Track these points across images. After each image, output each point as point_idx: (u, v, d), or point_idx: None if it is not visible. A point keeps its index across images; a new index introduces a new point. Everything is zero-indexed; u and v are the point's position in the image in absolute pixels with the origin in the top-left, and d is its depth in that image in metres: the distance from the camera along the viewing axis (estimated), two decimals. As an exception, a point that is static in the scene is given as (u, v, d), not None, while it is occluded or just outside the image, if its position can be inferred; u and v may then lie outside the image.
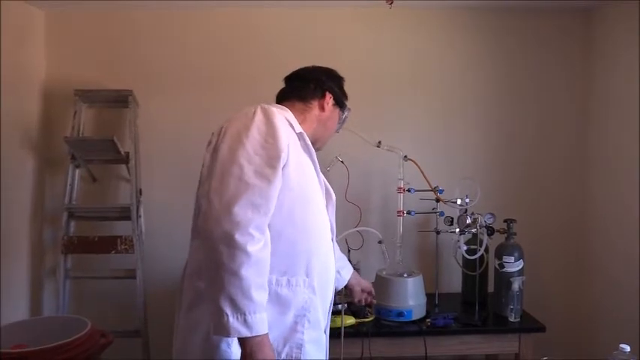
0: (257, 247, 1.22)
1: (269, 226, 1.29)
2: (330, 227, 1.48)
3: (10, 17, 2.22)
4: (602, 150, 2.50)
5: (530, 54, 2.57)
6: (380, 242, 2.23)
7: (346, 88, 1.95)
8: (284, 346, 1.36)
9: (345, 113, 1.62)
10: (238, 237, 1.20)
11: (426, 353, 2.01)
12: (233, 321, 1.20)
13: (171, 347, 1.39)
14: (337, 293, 1.83)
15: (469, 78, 2.58)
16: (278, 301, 1.35)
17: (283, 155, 1.30)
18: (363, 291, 1.84)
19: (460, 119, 2.60)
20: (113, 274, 2.41)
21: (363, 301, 1.87)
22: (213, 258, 1.22)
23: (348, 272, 1.80)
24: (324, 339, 1.46)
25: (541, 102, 2.61)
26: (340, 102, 1.59)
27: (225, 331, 1.21)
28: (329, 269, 1.47)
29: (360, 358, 1.94)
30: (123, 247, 2.33)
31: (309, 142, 1.44)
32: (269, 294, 1.30)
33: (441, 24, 2.54)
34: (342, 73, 1.63)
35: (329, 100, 1.54)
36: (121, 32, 2.48)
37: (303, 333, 1.37)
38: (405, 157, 2.29)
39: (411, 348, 2.05)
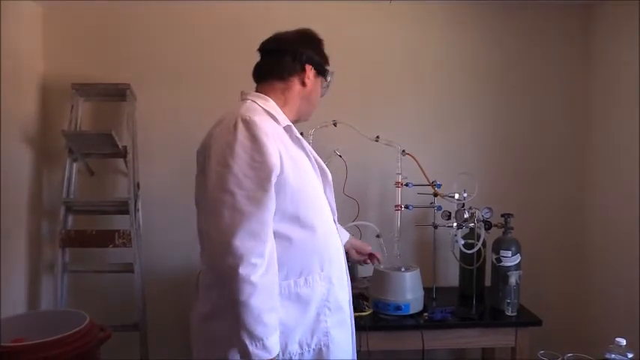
0: (260, 273, 1.23)
1: (278, 233, 1.30)
2: (330, 210, 1.48)
3: (9, 12, 2.20)
4: (602, 143, 2.49)
5: (528, 49, 2.57)
6: (378, 236, 2.29)
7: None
8: (312, 337, 1.38)
9: (329, 79, 1.54)
10: (242, 270, 1.21)
11: (423, 347, 2.02)
12: (253, 349, 1.24)
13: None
14: None
15: (468, 73, 2.58)
16: (299, 300, 1.37)
17: (274, 173, 1.27)
18: (359, 253, 1.81)
19: (459, 114, 2.60)
20: (111, 268, 2.39)
21: (362, 262, 1.85)
22: (225, 289, 1.25)
23: (343, 240, 1.72)
24: (347, 316, 1.48)
25: (539, 96, 2.61)
26: (322, 70, 1.52)
27: (248, 358, 1.26)
28: (339, 251, 1.48)
29: (357, 352, 1.92)
30: (121, 241, 2.30)
31: (297, 133, 1.42)
32: (289, 297, 1.34)
33: (439, 19, 2.54)
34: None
35: (310, 73, 1.47)
36: (119, 26, 2.46)
37: (326, 322, 1.40)
38: (403, 151, 2.29)
39: (408, 342, 2.05)
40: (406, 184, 2.28)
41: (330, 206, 1.49)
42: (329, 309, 1.43)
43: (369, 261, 1.84)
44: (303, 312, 1.39)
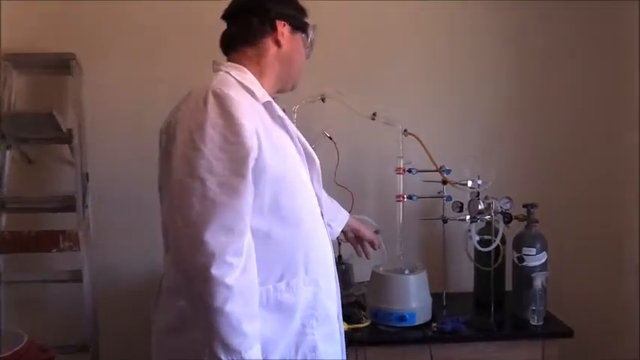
0: (237, 274, 1.25)
1: (254, 229, 1.32)
2: (318, 201, 1.51)
3: None
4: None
5: (556, 14, 2.56)
6: (376, 232, 2.16)
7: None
8: (296, 352, 1.41)
9: (311, 34, 1.56)
10: (214, 271, 1.22)
11: (431, 364, 2.05)
12: None
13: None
14: None
15: (483, 39, 2.56)
16: (280, 308, 1.39)
17: (252, 156, 1.29)
18: (357, 238, 1.87)
19: (471, 87, 2.58)
20: (55, 277, 2.37)
21: (359, 251, 1.91)
22: (194, 293, 1.26)
23: (340, 223, 1.83)
24: (337, 328, 1.52)
25: (570, 63, 2.59)
26: (298, 25, 1.54)
27: None
28: (326, 250, 1.51)
29: (352, 370, 1.95)
30: (67, 244, 2.29)
31: (279, 111, 1.45)
32: (268, 305, 1.37)
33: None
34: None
35: (283, 30, 1.49)
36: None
37: (314, 334, 1.43)
38: (405, 131, 2.28)
39: (414, 357, 2.06)
40: (409, 171, 2.28)
41: (318, 197, 1.52)
42: (316, 319, 1.45)
43: (362, 254, 1.90)
44: (286, 323, 1.40)
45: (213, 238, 1.23)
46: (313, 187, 1.51)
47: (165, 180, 1.37)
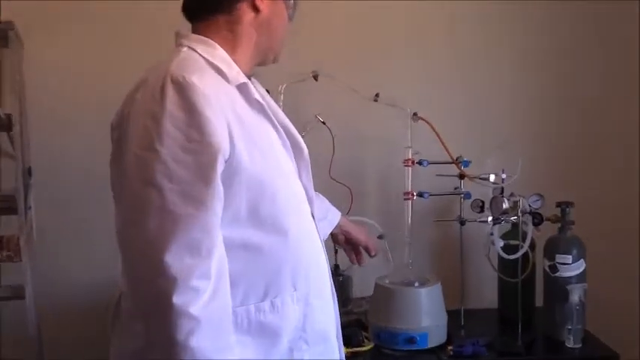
0: (204, 301, 1.24)
1: (230, 241, 1.32)
2: (308, 201, 1.51)
3: None
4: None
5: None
6: (380, 237, 2.26)
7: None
8: None
9: None
10: (177, 299, 1.21)
11: (448, 395, 2.05)
12: None
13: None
14: None
15: (508, 7, 2.56)
16: (263, 332, 1.39)
17: (221, 156, 1.28)
18: (349, 241, 1.90)
19: (494, 64, 2.58)
20: (-10, 295, 2.38)
21: (352, 258, 1.93)
22: (153, 324, 1.25)
23: (330, 223, 1.84)
24: (334, 351, 1.53)
25: (609, 38, 2.61)
26: None
27: None
28: (319, 261, 1.51)
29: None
30: (5, 253, 2.24)
31: (256, 94, 1.43)
32: (249, 329, 1.37)
33: None
34: None
35: None
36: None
37: (303, 358, 1.44)
38: (415, 115, 2.27)
39: (426, 387, 2.08)
40: (419, 162, 2.27)
41: (308, 196, 1.52)
42: (306, 342, 1.44)
43: (355, 261, 1.92)
44: (270, 348, 1.40)
45: (174, 259, 1.22)
46: (301, 183, 1.50)
47: (117, 185, 1.36)
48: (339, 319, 1.56)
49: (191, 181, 1.25)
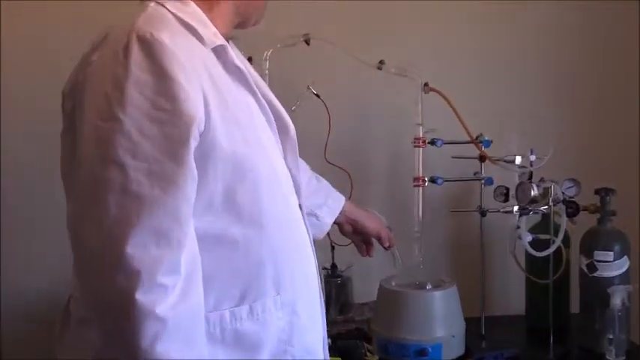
0: (173, 300, 1.24)
1: (202, 233, 1.32)
2: (294, 188, 1.52)
3: None
4: None
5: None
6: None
7: None
8: None
9: None
10: (141, 296, 1.21)
11: (466, 418, 2.05)
12: None
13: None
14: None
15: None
16: (240, 343, 1.40)
17: (196, 128, 1.28)
18: (356, 232, 1.94)
19: (518, 25, 2.58)
20: None
21: (363, 250, 1.98)
22: (111, 329, 1.26)
23: (331, 211, 1.89)
24: None
25: None
26: None
27: None
28: (306, 259, 1.53)
29: None
30: None
31: (235, 59, 1.43)
32: (223, 339, 1.38)
33: None
34: None
35: None
36: None
37: None
38: (426, 85, 2.25)
39: (440, 410, 2.08)
40: (432, 142, 2.26)
41: (295, 183, 1.53)
42: (292, 356, 1.44)
43: (365, 253, 1.99)
44: None
45: (138, 250, 1.21)
46: (287, 166, 1.51)
47: (69, 165, 1.36)
48: (326, 333, 1.57)
49: (159, 158, 1.24)
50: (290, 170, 1.51)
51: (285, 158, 1.50)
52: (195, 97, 1.27)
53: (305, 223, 1.54)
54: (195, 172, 1.27)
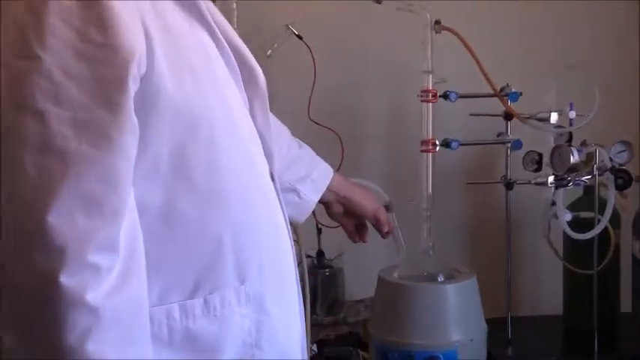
0: (108, 285, 1.23)
1: (143, 207, 1.32)
2: (265, 152, 1.52)
3: None
4: None
5: None
6: (386, 208, 2.16)
7: None
8: None
9: None
10: (66, 280, 1.19)
11: None
12: None
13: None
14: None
15: None
16: (191, 347, 1.39)
17: (134, 66, 1.25)
18: (347, 213, 1.95)
19: None
20: None
21: (353, 235, 2.00)
22: (29, 322, 1.24)
23: (316, 186, 1.90)
24: None
25: None
26: None
27: None
28: (279, 243, 1.52)
29: None
30: None
31: None
32: (171, 341, 1.37)
33: None
34: None
35: None
36: None
37: None
38: (437, 24, 2.25)
39: None
40: (444, 96, 2.26)
41: (265, 145, 1.53)
42: None
43: (358, 240, 2.01)
44: None
45: (62, 220, 1.19)
46: (255, 126, 1.50)
47: None
48: (304, 336, 1.58)
49: (89, 105, 1.21)
50: (259, 130, 1.50)
51: (252, 116, 1.50)
52: (134, 28, 1.25)
53: (278, 197, 1.53)
54: (136, 123, 1.25)
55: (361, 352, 2.17)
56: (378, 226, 1.96)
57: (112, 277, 1.22)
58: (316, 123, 2.28)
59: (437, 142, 2.23)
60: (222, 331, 1.40)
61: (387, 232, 1.99)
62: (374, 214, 1.94)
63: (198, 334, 1.38)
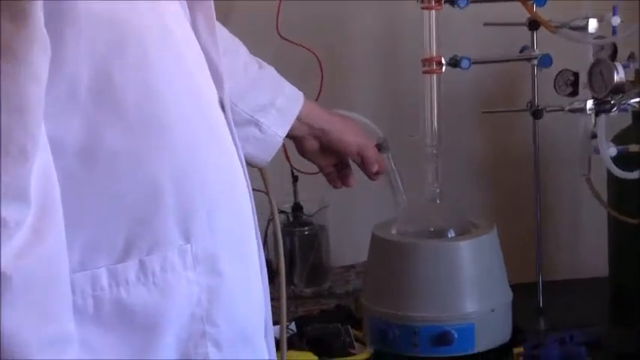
0: (16, 244, 1.20)
1: (56, 141, 1.29)
2: (209, 73, 1.50)
3: None
4: None
5: None
6: (380, 147, 2.15)
7: None
8: None
9: None
10: None
11: None
12: None
13: None
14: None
15: None
16: (125, 323, 1.38)
17: None
18: (324, 151, 1.95)
19: None
20: None
21: (333, 179, 2.00)
22: None
23: (282, 117, 1.90)
24: (261, 353, 1.56)
25: None
26: None
27: None
28: (237, 188, 1.51)
29: None
30: None
31: None
32: (99, 313, 1.36)
33: None
34: None
35: None
36: None
37: None
38: None
39: None
40: (451, 0, 2.26)
41: (211, 64, 1.52)
42: (216, 344, 1.43)
43: (340, 184, 2.01)
44: (142, 352, 1.37)
45: None
46: (198, 41, 1.49)
47: None
48: (269, 305, 1.58)
49: None
50: (203, 48, 1.48)
51: (195, 30, 1.48)
52: None
53: (231, 131, 1.50)
54: (47, 37, 1.19)
55: (352, 331, 2.16)
56: (365, 165, 1.94)
57: (21, 233, 1.18)
58: (287, 40, 2.28)
59: (443, 61, 2.21)
60: (165, 301, 1.37)
61: (377, 173, 1.97)
62: (359, 149, 1.92)
63: (134, 307, 1.35)
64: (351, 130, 1.95)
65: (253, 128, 1.82)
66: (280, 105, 1.87)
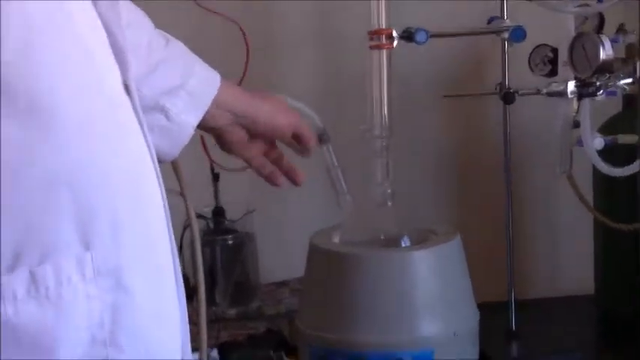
0: None
1: None
2: (109, 51, 1.51)
3: None
4: None
5: None
6: (318, 139, 2.23)
7: None
8: None
9: None
10: None
11: None
12: None
13: None
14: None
15: None
16: (13, 344, 1.36)
17: None
18: (255, 140, 1.96)
19: None
20: None
21: (261, 169, 2.00)
22: None
23: (194, 101, 1.90)
24: None
25: None
26: None
27: None
28: (145, 186, 1.53)
29: None
30: None
31: None
32: None
33: None
34: None
35: None
36: None
37: None
38: None
39: None
40: None
41: (113, 42, 1.53)
42: None
43: (275, 179, 2.01)
44: None
45: None
46: (96, 10, 1.49)
47: None
48: (187, 328, 1.59)
49: None
50: (103, 22, 1.49)
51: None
52: None
53: (138, 119, 1.53)
54: None
55: (285, 357, 2.23)
56: (301, 143, 1.97)
57: None
58: (206, 9, 2.28)
59: (394, 34, 2.31)
60: (60, 320, 1.35)
61: (305, 151, 1.99)
62: (294, 129, 1.95)
63: (23, 326, 1.33)
64: (280, 109, 1.98)
65: (158, 115, 1.83)
66: (192, 88, 1.87)
